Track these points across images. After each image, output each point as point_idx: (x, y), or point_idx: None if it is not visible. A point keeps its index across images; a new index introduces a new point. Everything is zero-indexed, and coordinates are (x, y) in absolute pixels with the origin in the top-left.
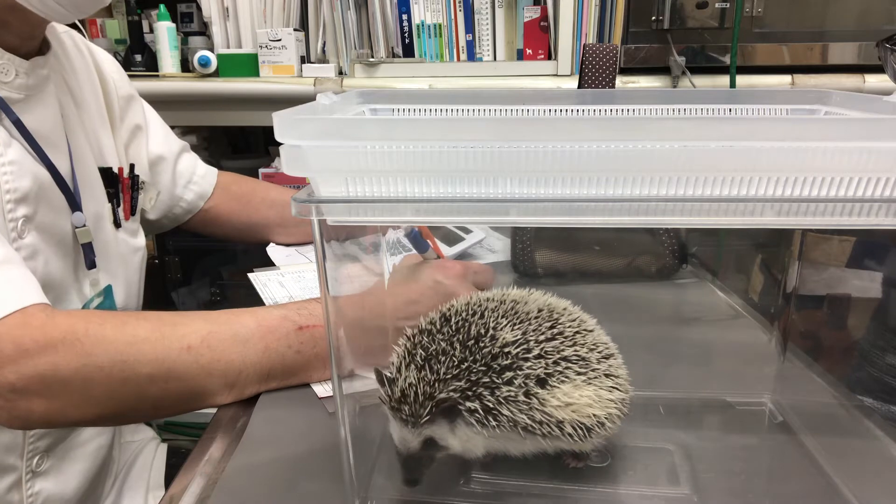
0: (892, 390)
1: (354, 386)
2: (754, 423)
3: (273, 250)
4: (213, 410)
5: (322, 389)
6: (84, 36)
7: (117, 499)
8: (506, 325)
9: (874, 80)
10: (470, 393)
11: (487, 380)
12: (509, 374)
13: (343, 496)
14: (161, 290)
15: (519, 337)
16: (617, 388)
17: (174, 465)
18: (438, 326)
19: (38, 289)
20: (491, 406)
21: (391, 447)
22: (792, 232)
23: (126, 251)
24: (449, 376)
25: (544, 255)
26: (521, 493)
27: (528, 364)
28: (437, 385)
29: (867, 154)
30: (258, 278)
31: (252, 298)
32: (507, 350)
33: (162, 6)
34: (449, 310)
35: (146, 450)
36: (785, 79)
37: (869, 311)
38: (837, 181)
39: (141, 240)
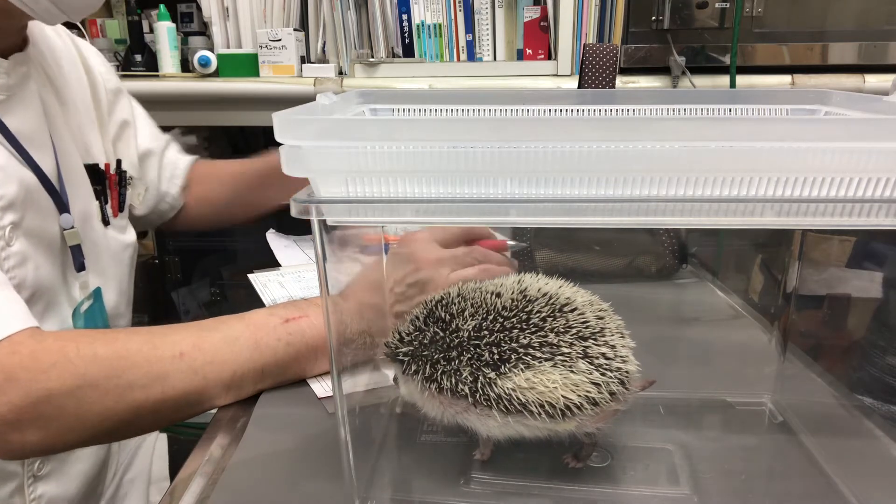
0: (892, 390)
1: (355, 385)
2: (754, 423)
3: (272, 237)
4: (214, 410)
5: (322, 389)
6: (84, 36)
7: (118, 493)
8: (468, 315)
9: (874, 80)
10: (416, 357)
11: (434, 353)
12: (454, 353)
13: (343, 496)
14: (161, 290)
15: (472, 326)
16: (600, 369)
17: (176, 452)
18: (432, 304)
19: (25, 311)
20: (430, 374)
21: (391, 447)
22: (792, 232)
23: (117, 248)
24: (407, 339)
25: (544, 255)
26: (521, 493)
27: (478, 350)
28: (398, 341)
29: (867, 154)
30: (258, 279)
31: (252, 298)
32: (455, 335)
33: (162, 6)
34: (444, 295)
35: (146, 443)
36: (785, 79)
37: (869, 311)
38: (837, 181)
39: (130, 236)
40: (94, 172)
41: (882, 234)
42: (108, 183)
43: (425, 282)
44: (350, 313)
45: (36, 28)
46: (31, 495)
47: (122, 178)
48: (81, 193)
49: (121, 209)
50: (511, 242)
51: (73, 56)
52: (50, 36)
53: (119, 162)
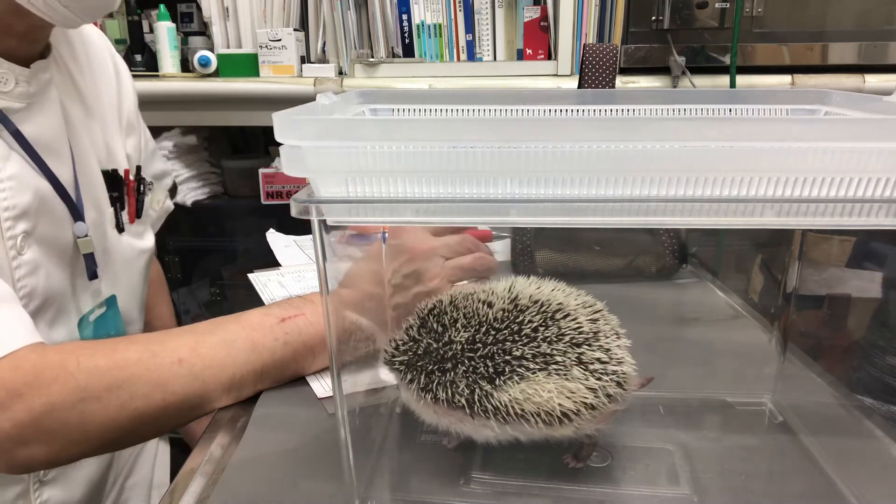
0: (892, 390)
1: (355, 385)
2: (754, 423)
3: (272, 237)
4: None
5: (322, 390)
6: None
7: (121, 499)
8: (460, 326)
9: (874, 80)
10: (412, 367)
11: (428, 364)
12: (449, 365)
13: (343, 496)
14: None
15: (465, 338)
16: (595, 374)
17: (178, 454)
18: (424, 313)
19: (30, 327)
20: (426, 384)
21: (391, 447)
22: (792, 232)
23: (131, 255)
24: (403, 348)
25: (544, 255)
26: (521, 493)
27: (473, 363)
28: (395, 350)
29: (867, 154)
30: (258, 278)
31: (252, 298)
32: (449, 347)
33: (162, 6)
34: (436, 303)
35: (147, 448)
36: (785, 79)
37: (869, 311)
38: (837, 181)
39: (147, 241)
40: (113, 179)
41: (882, 234)
42: (126, 189)
43: (421, 272)
44: (351, 305)
45: (75, 33)
46: (37, 500)
47: (140, 185)
48: (96, 200)
49: (138, 215)
50: (494, 232)
51: (108, 64)
52: (87, 33)
53: (139, 168)
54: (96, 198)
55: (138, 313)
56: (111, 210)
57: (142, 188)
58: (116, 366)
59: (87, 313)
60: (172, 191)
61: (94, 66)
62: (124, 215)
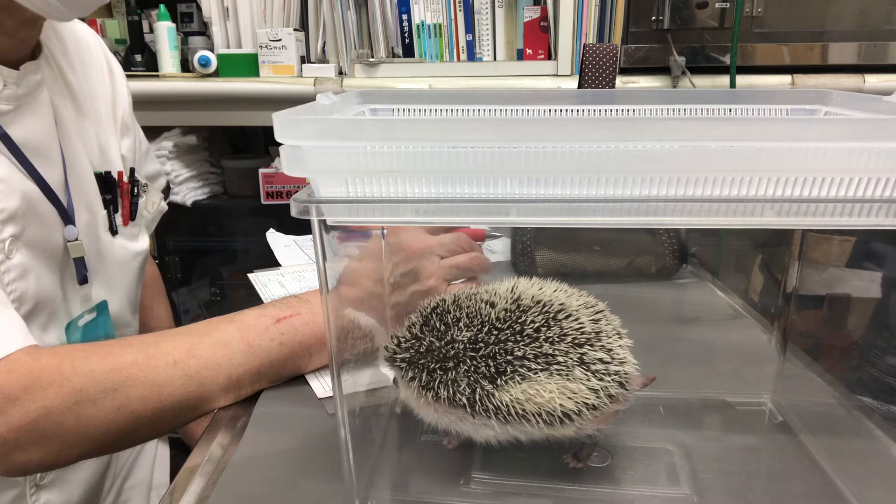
0: (892, 390)
1: (355, 386)
2: (754, 423)
3: (272, 237)
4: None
5: (322, 390)
6: None
7: (119, 500)
8: (462, 325)
9: (874, 80)
10: (413, 364)
11: (430, 362)
12: (450, 364)
13: (343, 496)
14: None
15: (467, 337)
16: (597, 375)
17: (178, 455)
18: (427, 311)
19: (23, 330)
20: (427, 383)
21: (391, 447)
22: (792, 232)
23: (125, 257)
24: (405, 346)
25: (544, 255)
26: (521, 493)
27: (474, 362)
28: (396, 346)
29: (867, 154)
30: (258, 278)
31: (252, 298)
32: (451, 346)
33: (162, 6)
34: (439, 302)
35: (146, 450)
36: (785, 79)
37: (869, 311)
38: (837, 181)
39: (143, 243)
40: (106, 181)
41: (882, 234)
42: (120, 192)
43: (417, 270)
44: (350, 303)
45: (68, 33)
46: None
47: (134, 186)
48: (88, 203)
49: (132, 217)
50: (489, 232)
51: (102, 64)
52: (78, 31)
53: (132, 171)
54: (88, 200)
55: (132, 316)
56: (104, 213)
57: (135, 190)
58: (112, 368)
59: (76, 318)
60: (166, 191)
61: (87, 66)
62: (118, 217)
